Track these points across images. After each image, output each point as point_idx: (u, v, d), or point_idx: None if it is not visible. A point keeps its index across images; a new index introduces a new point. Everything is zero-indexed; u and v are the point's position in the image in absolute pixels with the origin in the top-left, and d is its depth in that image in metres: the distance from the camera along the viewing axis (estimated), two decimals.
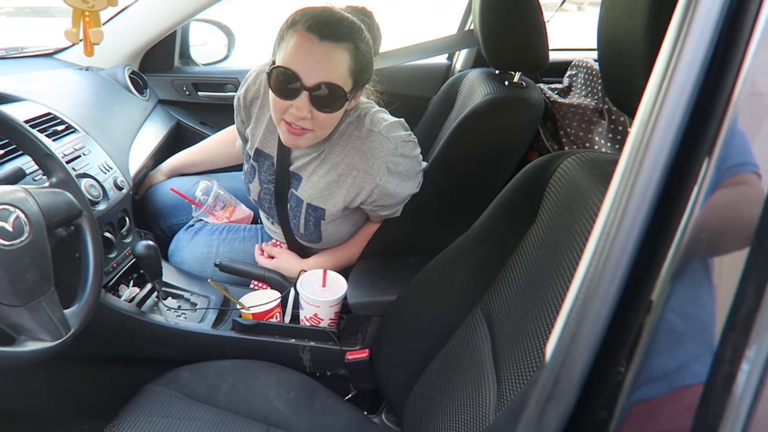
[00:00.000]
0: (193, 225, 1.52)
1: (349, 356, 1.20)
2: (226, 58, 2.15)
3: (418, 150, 1.26)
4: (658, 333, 0.35)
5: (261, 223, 1.63)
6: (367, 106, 1.27)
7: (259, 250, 1.44)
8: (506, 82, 1.38)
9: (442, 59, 1.96)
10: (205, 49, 2.16)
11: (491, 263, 1.00)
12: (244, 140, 1.45)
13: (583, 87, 1.46)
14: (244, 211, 1.61)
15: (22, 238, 0.84)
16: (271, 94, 1.12)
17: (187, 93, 2.00)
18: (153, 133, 1.75)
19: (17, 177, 1.01)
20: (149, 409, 1.09)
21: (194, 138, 2.00)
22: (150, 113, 1.82)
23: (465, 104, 1.48)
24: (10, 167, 1.02)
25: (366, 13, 1.21)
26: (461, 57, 1.89)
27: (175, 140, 1.93)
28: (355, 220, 1.36)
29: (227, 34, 2.14)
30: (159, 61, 1.96)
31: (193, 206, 1.55)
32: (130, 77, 1.81)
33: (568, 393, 0.37)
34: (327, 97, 1.09)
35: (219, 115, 2.05)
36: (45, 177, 1.02)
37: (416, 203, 1.32)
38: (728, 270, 0.34)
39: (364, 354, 1.20)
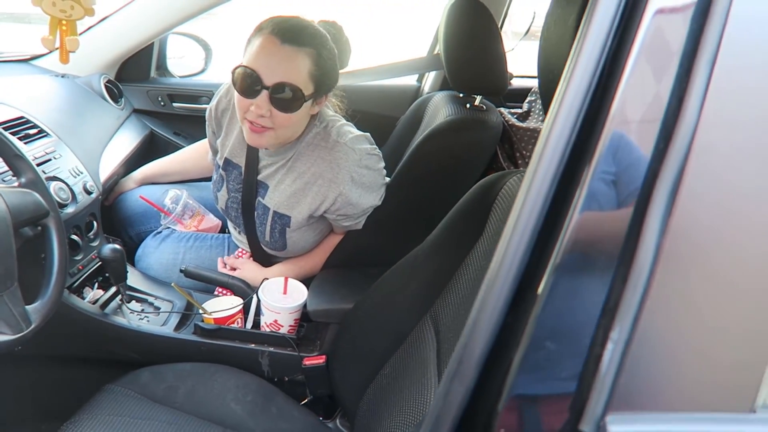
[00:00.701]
0: (161, 232, 1.55)
1: (307, 362, 1.24)
2: (202, 71, 2.20)
3: (382, 164, 1.33)
4: (543, 321, 0.41)
5: (229, 232, 1.67)
6: (334, 119, 1.34)
7: (221, 263, 1.47)
8: (467, 105, 1.45)
9: (411, 81, 2.04)
10: (182, 61, 2.20)
11: (441, 274, 1.05)
12: (215, 151, 1.50)
13: (541, 112, 1.54)
14: (212, 221, 1.65)
15: None
16: (235, 93, 1.19)
17: (162, 103, 2.04)
18: (126, 141, 1.78)
19: None
20: (108, 409, 1.11)
21: (167, 148, 2.03)
22: (124, 122, 1.85)
23: (429, 124, 1.55)
24: None
25: (335, 27, 1.28)
26: (429, 79, 1.97)
27: (149, 149, 1.96)
28: (320, 230, 1.40)
29: (205, 48, 2.20)
30: (135, 71, 2.00)
31: (162, 214, 1.58)
32: (105, 86, 1.84)
33: (468, 372, 0.42)
34: (286, 98, 1.15)
35: (193, 126, 2.09)
36: (14, 177, 1.05)
37: (378, 216, 1.38)
38: (602, 265, 0.40)
39: (320, 360, 1.24)
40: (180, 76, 2.16)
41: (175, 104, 2.05)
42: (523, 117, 1.57)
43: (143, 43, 1.84)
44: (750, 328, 0.39)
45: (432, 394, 0.88)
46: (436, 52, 1.95)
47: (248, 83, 1.15)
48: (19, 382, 1.34)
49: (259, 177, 1.36)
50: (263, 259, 1.47)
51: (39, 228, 1.10)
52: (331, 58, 1.20)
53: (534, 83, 1.72)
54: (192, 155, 1.76)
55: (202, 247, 1.52)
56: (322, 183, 1.27)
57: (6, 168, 1.14)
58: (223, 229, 1.69)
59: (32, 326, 0.92)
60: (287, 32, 1.13)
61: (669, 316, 0.39)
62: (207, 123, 1.49)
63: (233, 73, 1.17)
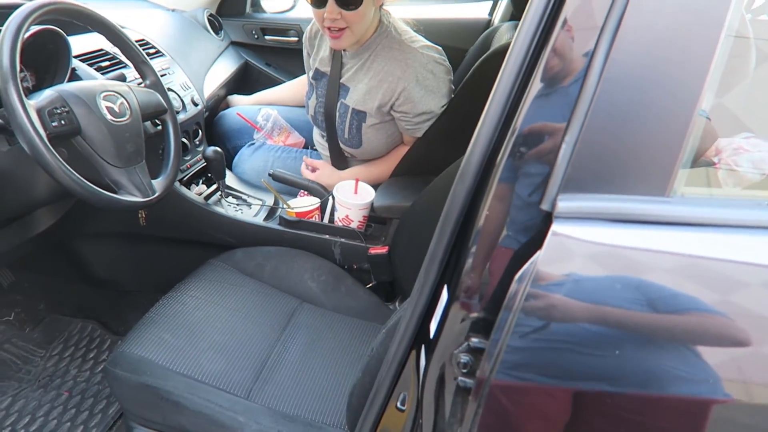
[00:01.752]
0: (254, 143, 1.79)
1: (372, 251, 1.44)
2: (291, 8, 2.40)
3: (448, 76, 1.48)
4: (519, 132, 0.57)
5: (311, 148, 1.89)
6: (408, 29, 1.52)
7: (306, 160, 1.69)
8: None
9: (482, 14, 2.14)
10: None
11: None
12: (308, 69, 1.72)
13: None
14: (297, 137, 1.87)
15: (125, 118, 1.12)
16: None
17: (256, 36, 2.27)
18: (224, 67, 2.03)
19: (120, 79, 1.29)
20: (210, 277, 1.37)
21: (259, 76, 2.27)
22: (223, 51, 2.10)
23: None
24: (115, 73, 1.31)
25: None
26: (500, 11, 2.06)
27: (243, 76, 2.21)
28: (390, 134, 1.58)
29: None
30: (233, 7, 2.23)
31: (255, 130, 1.82)
32: (208, 19, 2.08)
33: (470, 175, 0.59)
34: None
35: (282, 57, 2.31)
36: (141, 81, 1.30)
37: (441, 127, 1.52)
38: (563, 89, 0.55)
39: (383, 250, 1.43)
40: (271, 12, 2.37)
41: (267, 37, 2.27)
42: None
43: None
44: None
45: None
46: None
47: None
48: (141, 258, 1.64)
49: (342, 80, 1.56)
50: (339, 162, 1.67)
51: (158, 126, 1.35)
52: None
53: None
54: (297, 86, 2.04)
55: (288, 158, 1.75)
56: (391, 80, 1.45)
57: (135, 76, 1.40)
58: (306, 146, 1.91)
59: (156, 194, 1.17)
60: None
61: (605, 128, 0.53)
62: (303, 46, 1.72)
63: None
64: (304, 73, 2.13)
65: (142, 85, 1.27)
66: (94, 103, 1.06)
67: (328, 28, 1.41)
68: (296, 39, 2.24)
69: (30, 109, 0.95)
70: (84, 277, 1.68)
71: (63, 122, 1.00)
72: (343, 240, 1.49)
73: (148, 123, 1.31)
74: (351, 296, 1.42)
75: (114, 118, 1.09)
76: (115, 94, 1.12)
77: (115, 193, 1.10)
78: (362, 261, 1.50)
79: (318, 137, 1.75)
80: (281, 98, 2.03)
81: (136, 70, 1.27)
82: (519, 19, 1.82)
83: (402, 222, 1.40)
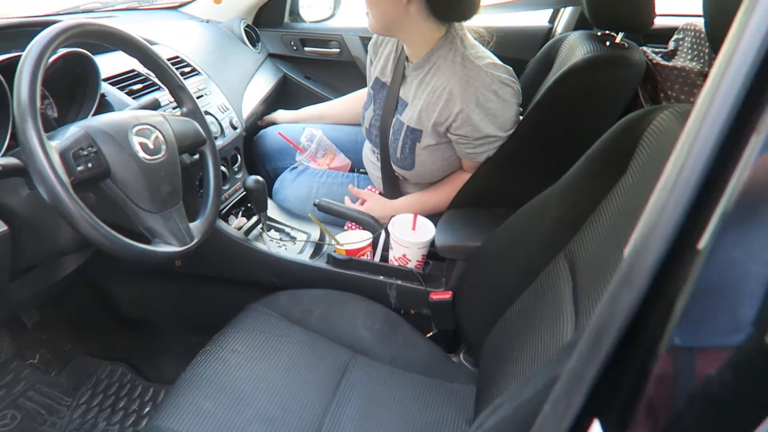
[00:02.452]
0: (296, 167, 1.64)
1: (433, 296, 1.27)
2: (331, 16, 2.24)
3: (515, 99, 1.30)
4: (705, 276, 0.39)
5: (358, 171, 1.73)
6: (475, 43, 1.35)
7: (352, 191, 1.53)
8: (607, 43, 1.37)
9: (542, 22, 1.95)
10: (312, 7, 2.26)
11: (578, 211, 1.02)
12: (369, 78, 1.58)
13: (690, 50, 1.42)
14: (342, 160, 1.71)
15: (160, 155, 0.97)
16: None
17: (294, 48, 2.12)
18: (263, 82, 1.88)
19: (154, 106, 1.15)
20: (251, 325, 1.21)
21: (299, 91, 2.12)
22: (261, 65, 1.95)
23: (564, 64, 1.48)
24: (148, 98, 1.16)
25: None
26: (563, 19, 1.87)
27: (282, 91, 2.06)
28: (446, 158, 1.41)
29: None
30: (271, 17, 2.09)
31: (297, 151, 1.66)
32: (244, 30, 1.94)
33: (640, 278, 0.42)
34: None
35: (322, 70, 2.16)
36: (177, 108, 1.15)
37: (507, 154, 1.35)
38: None
39: (447, 295, 1.26)
40: (310, 21, 2.22)
41: (306, 48, 2.12)
42: (669, 56, 1.45)
43: None
44: None
45: (567, 330, 0.87)
46: None
47: None
48: (174, 296, 1.50)
49: (401, 93, 1.42)
50: (392, 188, 1.51)
51: (195, 156, 1.20)
52: None
53: (679, 22, 1.58)
54: (349, 100, 1.88)
55: (334, 183, 1.59)
56: (449, 98, 1.29)
57: (169, 101, 1.25)
58: (353, 169, 1.75)
59: (195, 240, 1.02)
60: None
61: None
62: (368, 53, 1.58)
63: None
64: (346, 86, 1.98)
65: (178, 113, 1.12)
66: (126, 140, 0.92)
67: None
68: (338, 50, 2.08)
69: (52, 152, 0.80)
70: (113, 317, 1.55)
71: (90, 165, 0.86)
72: (399, 282, 1.33)
73: (184, 154, 1.16)
74: (409, 347, 1.26)
75: (148, 156, 0.95)
76: (149, 128, 0.97)
77: (148, 242, 0.95)
78: (421, 306, 1.34)
79: (369, 155, 1.59)
80: (330, 114, 1.88)
81: (172, 96, 1.13)
82: (588, 28, 1.65)
83: (470, 265, 1.23)
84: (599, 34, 1.47)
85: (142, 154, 0.94)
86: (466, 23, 1.37)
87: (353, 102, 1.86)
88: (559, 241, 1.05)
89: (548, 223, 1.08)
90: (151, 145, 0.96)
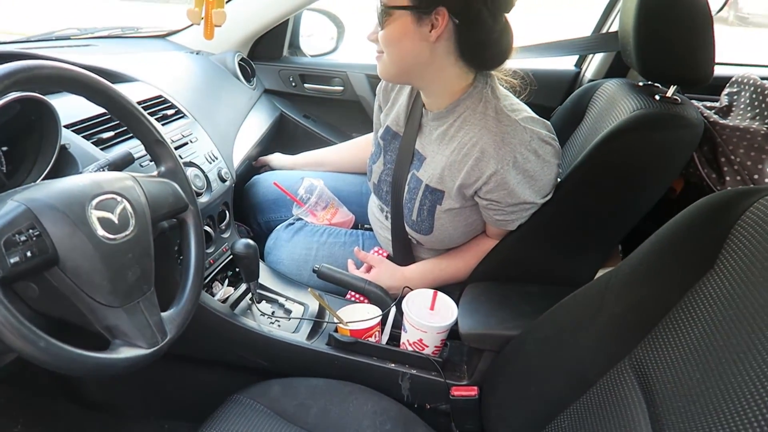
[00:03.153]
0: (293, 224, 1.44)
1: (455, 392, 1.07)
2: (334, 50, 2.07)
3: (556, 160, 1.11)
4: None
5: (362, 228, 1.53)
6: (508, 94, 1.16)
7: (358, 254, 1.33)
8: (657, 97, 1.19)
9: (569, 66, 1.78)
10: (313, 39, 2.09)
11: (645, 311, 0.83)
12: (377, 129, 1.39)
13: (749, 108, 1.25)
14: (345, 214, 1.51)
15: (127, 232, 0.76)
16: None
17: (293, 84, 1.93)
18: (257, 123, 1.69)
19: (126, 162, 0.95)
20: (236, 422, 1.00)
21: (296, 130, 1.93)
22: (255, 102, 1.76)
23: (602, 118, 1.30)
24: (119, 151, 0.96)
25: None
26: (593, 65, 1.70)
27: (278, 131, 1.87)
28: (470, 223, 1.21)
29: (337, 26, 2.06)
30: (268, 50, 1.90)
31: (295, 204, 1.46)
32: (239, 64, 1.75)
33: None
34: (378, 12, 1.07)
35: (323, 109, 1.97)
36: (152, 164, 0.95)
37: (540, 222, 1.17)
38: None
39: (472, 392, 1.06)
40: (311, 55, 2.05)
41: (306, 85, 1.93)
42: (723, 113, 1.28)
43: (281, 18, 1.74)
44: None
45: None
46: (607, 29, 1.68)
47: None
48: (145, 378, 1.27)
49: (417, 146, 1.22)
50: (403, 253, 1.32)
51: (174, 221, 1.00)
52: None
53: (734, 71, 1.41)
54: (352, 147, 1.69)
55: (336, 243, 1.39)
56: (480, 157, 1.09)
57: (143, 153, 1.05)
58: (356, 225, 1.55)
59: (168, 338, 0.81)
60: None
61: None
62: (376, 98, 1.39)
63: None
64: (349, 127, 1.80)
65: (155, 173, 0.92)
66: (82, 218, 0.71)
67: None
68: (341, 88, 1.90)
69: None
70: (73, 398, 1.32)
71: (29, 254, 0.65)
72: (414, 372, 1.12)
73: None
74: None
75: (110, 235, 0.74)
76: (114, 197, 0.77)
77: (106, 344, 0.74)
78: (439, 400, 1.13)
79: (376, 212, 1.39)
80: (331, 161, 1.68)
81: (149, 153, 0.92)
82: (621, 75, 1.48)
83: (503, 359, 1.02)
84: (641, 84, 1.30)
85: (102, 232, 0.73)
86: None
87: (357, 149, 1.66)
88: (619, 346, 0.85)
89: (604, 319, 0.88)
90: (115, 220, 0.75)
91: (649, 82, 1.30)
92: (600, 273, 1.46)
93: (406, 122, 1.25)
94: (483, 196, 1.13)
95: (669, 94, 1.20)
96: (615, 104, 1.26)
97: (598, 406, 0.84)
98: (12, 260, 0.63)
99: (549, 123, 1.14)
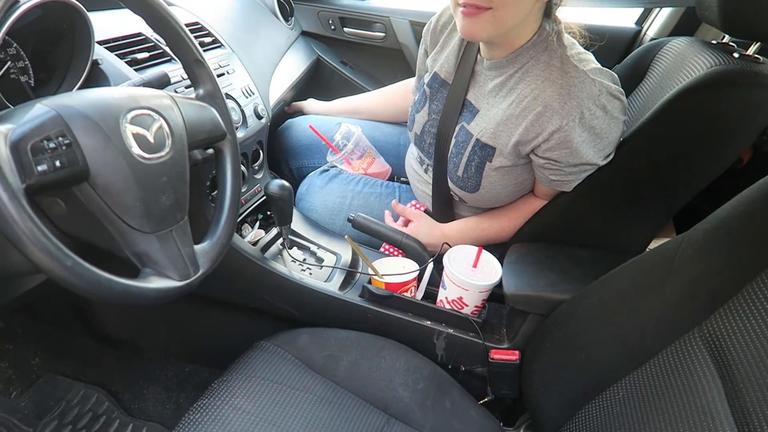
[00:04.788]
0: (327, 170, 1.37)
1: (495, 355, 1.00)
2: None
3: (623, 116, 1.02)
4: None
5: (398, 180, 1.46)
6: (573, 41, 1.07)
7: (396, 207, 1.25)
8: (735, 55, 1.09)
9: (628, 23, 1.66)
10: None
11: (721, 280, 0.75)
12: (421, 77, 1.29)
13: None
14: (382, 165, 1.43)
15: (162, 153, 0.70)
16: None
17: (333, 27, 1.83)
18: (294, 64, 1.61)
19: (162, 84, 0.87)
20: (262, 371, 0.95)
21: (332, 76, 1.85)
22: (293, 43, 1.68)
23: (669, 76, 1.20)
24: (156, 71, 0.89)
25: None
26: (657, 22, 1.58)
27: (313, 76, 1.78)
28: (520, 181, 1.13)
29: None
30: None
31: (330, 150, 1.39)
32: (278, 1, 1.66)
33: None
34: None
35: (361, 56, 1.88)
36: (191, 88, 0.88)
37: (598, 182, 1.08)
38: None
39: (513, 356, 1.00)
40: None
41: (346, 29, 1.83)
42: None
43: None
44: None
45: None
46: None
47: None
48: (168, 318, 1.23)
49: (469, 97, 1.12)
50: (444, 209, 1.24)
51: (208, 152, 0.93)
52: None
53: None
54: (388, 95, 1.58)
55: (372, 194, 1.32)
56: (542, 111, 1.00)
57: (182, 77, 0.98)
58: (392, 177, 1.48)
59: (200, 272, 0.76)
60: None
61: None
62: (422, 39, 1.28)
63: None
64: (388, 77, 1.69)
65: (192, 95, 0.85)
66: (116, 130, 0.64)
67: (464, 5, 0.94)
68: (383, 35, 1.80)
69: None
70: (93, 332, 1.28)
71: (58, 163, 0.58)
72: (450, 331, 1.06)
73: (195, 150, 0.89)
74: (458, 416, 0.99)
75: (145, 154, 0.67)
76: (151, 114, 0.70)
77: (135, 273, 0.68)
78: (475, 363, 1.07)
79: (415, 165, 1.31)
80: (366, 109, 1.58)
81: (187, 72, 0.84)
82: (688, 34, 1.37)
83: (550, 324, 0.96)
84: (714, 42, 1.19)
85: (137, 150, 0.66)
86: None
87: (394, 96, 1.56)
88: (688, 315, 0.78)
89: (672, 288, 0.81)
90: (151, 139, 0.68)
91: (724, 41, 1.19)
92: (653, 244, 1.38)
93: (456, 69, 1.16)
94: (541, 155, 1.04)
95: (750, 51, 1.09)
96: (685, 62, 1.15)
97: (660, 379, 0.77)
98: (39, 168, 0.56)
99: (615, 75, 1.05)
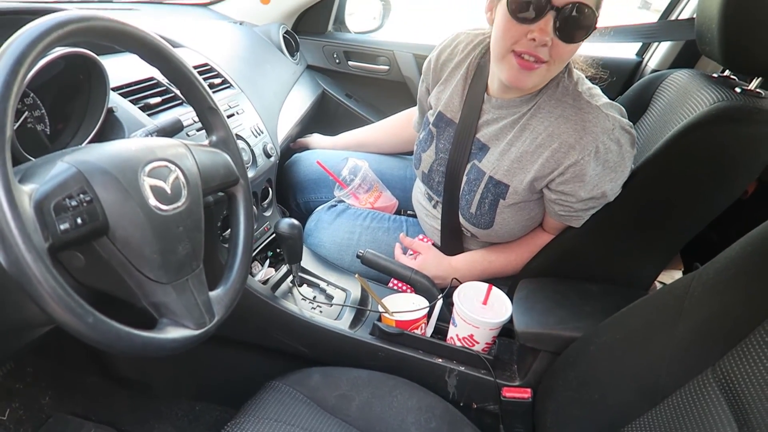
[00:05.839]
0: (335, 206, 1.38)
1: (507, 393, 1.00)
2: (379, 27, 1.99)
3: (634, 150, 1.04)
4: None
5: (405, 213, 1.47)
6: (580, 76, 1.08)
7: (404, 240, 1.26)
8: (738, 89, 1.10)
9: (630, 55, 1.69)
10: (358, 16, 2.01)
11: (734, 319, 0.75)
12: (423, 112, 1.30)
13: None
14: (389, 199, 1.45)
15: (179, 204, 0.71)
16: (503, 21, 0.95)
17: (337, 61, 1.86)
18: (300, 99, 1.63)
19: (175, 130, 0.89)
20: (274, 412, 0.95)
21: (337, 110, 1.87)
22: (298, 78, 1.70)
23: (672, 110, 1.21)
24: (168, 118, 0.90)
25: None
26: (658, 54, 1.60)
27: (319, 110, 1.80)
28: (532, 216, 1.14)
29: (383, 2, 1.98)
30: (314, 24, 1.84)
31: (337, 185, 1.40)
32: (283, 37, 1.69)
33: None
34: (576, 21, 0.91)
35: (366, 88, 1.90)
36: (200, 134, 0.90)
37: (603, 216, 1.09)
38: None
39: (525, 394, 0.99)
40: (356, 32, 1.97)
41: (351, 63, 1.86)
42: None
43: None
44: None
45: None
46: (676, 17, 1.58)
47: (532, 3, 0.90)
48: (179, 357, 1.23)
49: (479, 135, 1.13)
50: (453, 243, 1.24)
51: (220, 194, 0.94)
52: None
53: None
54: (393, 125, 1.59)
55: (379, 228, 1.33)
56: (558, 147, 1.01)
57: (192, 122, 1.00)
58: (399, 210, 1.49)
59: (215, 319, 0.76)
60: None
61: None
62: (422, 76, 1.29)
63: None
64: (392, 109, 1.70)
65: (206, 142, 0.86)
66: (134, 184, 0.65)
67: (520, 55, 0.95)
68: (387, 68, 1.83)
69: (23, 204, 0.54)
70: (105, 372, 1.28)
71: (80, 221, 0.59)
72: (462, 368, 1.06)
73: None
74: None
75: (162, 206, 0.68)
76: (167, 165, 0.71)
77: (152, 323, 0.68)
78: (487, 401, 1.06)
79: (422, 200, 1.31)
80: (371, 142, 1.59)
81: (200, 120, 0.86)
82: (688, 66, 1.38)
83: (563, 361, 0.96)
84: (716, 76, 1.21)
85: (154, 202, 0.67)
86: None
87: (397, 127, 1.57)
88: (701, 355, 0.78)
89: (684, 327, 0.81)
90: (168, 190, 0.70)
91: (725, 74, 1.21)
92: (662, 277, 1.39)
93: (461, 107, 1.17)
94: (554, 188, 1.05)
95: (752, 87, 1.11)
96: (688, 96, 1.17)
97: (674, 420, 0.77)
98: (62, 227, 0.57)
99: (623, 108, 1.06)
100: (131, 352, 0.63)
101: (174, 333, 0.69)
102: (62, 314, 0.56)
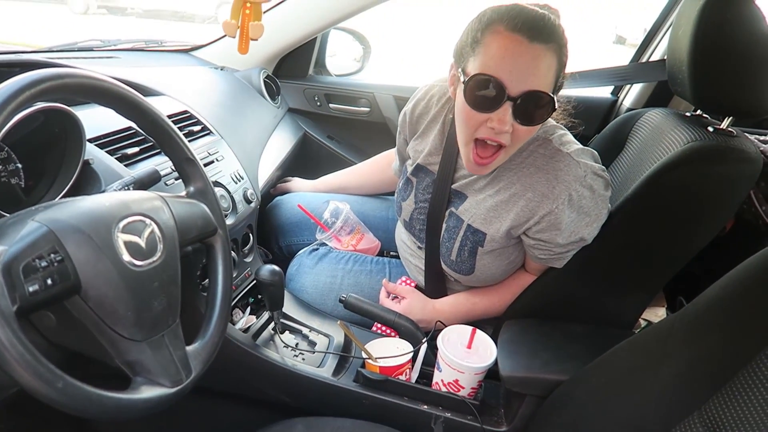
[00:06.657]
0: (317, 249, 1.37)
1: None
2: (360, 70, 2.02)
3: (609, 192, 1.05)
4: None
5: (388, 255, 1.46)
6: (554, 126, 1.09)
7: (387, 286, 1.25)
8: (710, 128, 1.12)
9: (605, 94, 1.72)
10: (339, 59, 2.04)
11: (717, 362, 0.75)
12: (403, 160, 1.31)
13: None
14: (371, 241, 1.44)
15: (154, 258, 0.70)
16: (463, 108, 0.95)
17: (318, 104, 1.88)
18: (281, 143, 1.63)
19: (152, 180, 0.88)
20: None
21: (320, 151, 1.88)
22: (280, 121, 1.71)
23: (647, 149, 1.23)
24: (146, 168, 0.90)
25: (554, 12, 1.00)
26: (632, 93, 1.64)
27: (301, 152, 1.81)
28: (512, 260, 1.15)
29: (364, 46, 2.02)
30: (294, 68, 1.86)
31: (318, 228, 1.40)
32: (264, 81, 1.70)
33: None
34: (533, 108, 0.92)
35: (347, 130, 1.92)
36: (177, 183, 0.89)
37: (585, 257, 1.10)
38: None
39: None
40: (336, 75, 2.00)
41: (332, 105, 1.88)
42: None
43: (308, 37, 1.69)
44: None
45: None
46: (647, 59, 1.62)
47: (487, 95, 0.91)
48: (158, 411, 1.19)
49: (455, 186, 1.14)
50: (436, 287, 1.24)
51: (198, 244, 0.93)
52: (566, 53, 0.95)
53: None
54: (373, 168, 1.59)
55: (362, 272, 1.32)
56: (532, 197, 1.02)
57: (170, 170, 0.99)
58: (381, 252, 1.48)
59: (192, 375, 0.74)
60: (533, 27, 0.88)
61: None
62: (399, 128, 1.29)
63: (466, 84, 0.92)
64: (374, 149, 1.71)
65: (183, 193, 0.85)
66: (108, 241, 0.64)
67: (481, 141, 0.97)
68: (368, 109, 1.84)
69: None
70: (80, 429, 1.24)
71: (50, 282, 0.58)
72: (448, 415, 1.04)
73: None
74: None
75: (137, 261, 0.67)
76: (142, 220, 0.70)
77: (126, 382, 0.67)
78: None
79: (406, 240, 1.31)
80: (353, 185, 1.60)
81: (178, 171, 0.86)
82: (661, 105, 1.41)
83: (552, 406, 0.94)
84: (688, 114, 1.23)
85: (128, 258, 0.66)
86: None
87: (377, 169, 1.58)
88: (687, 399, 0.77)
89: (669, 370, 0.81)
90: (143, 245, 0.68)
91: (697, 113, 1.24)
92: (646, 314, 1.39)
93: (439, 160, 1.17)
94: (531, 236, 1.06)
95: (724, 126, 1.13)
96: (663, 135, 1.19)
97: None
98: (31, 288, 0.56)
99: (596, 152, 1.08)
100: (104, 416, 0.61)
101: (148, 392, 0.67)
102: (30, 380, 0.54)
